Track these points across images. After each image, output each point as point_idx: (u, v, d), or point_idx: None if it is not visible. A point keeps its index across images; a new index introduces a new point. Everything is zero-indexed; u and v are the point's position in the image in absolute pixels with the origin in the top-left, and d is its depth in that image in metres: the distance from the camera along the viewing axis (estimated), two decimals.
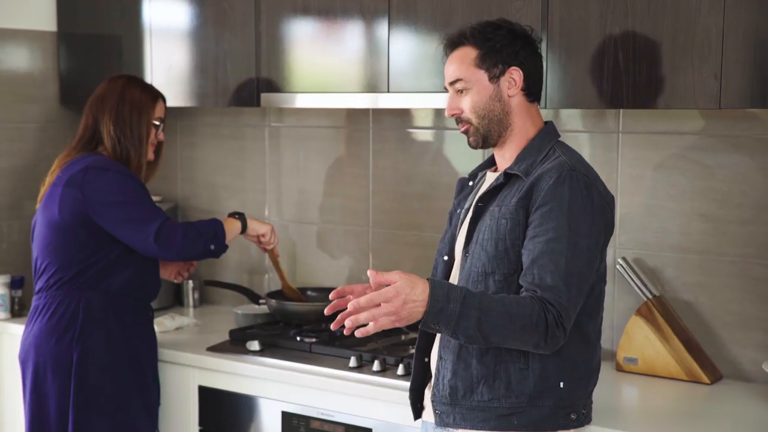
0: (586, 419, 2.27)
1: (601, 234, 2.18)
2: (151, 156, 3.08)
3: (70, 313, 2.95)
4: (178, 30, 3.46)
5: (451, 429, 2.28)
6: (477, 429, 2.22)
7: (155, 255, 2.99)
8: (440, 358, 2.28)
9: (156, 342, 3.12)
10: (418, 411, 2.43)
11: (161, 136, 3.10)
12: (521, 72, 2.26)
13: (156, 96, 3.09)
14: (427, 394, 2.37)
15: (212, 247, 3.04)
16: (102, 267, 2.97)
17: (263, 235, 3.21)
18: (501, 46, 2.25)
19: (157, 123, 3.07)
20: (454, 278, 2.31)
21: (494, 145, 2.32)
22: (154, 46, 3.51)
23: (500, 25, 2.28)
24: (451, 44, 2.31)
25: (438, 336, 2.32)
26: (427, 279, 2.06)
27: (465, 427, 2.23)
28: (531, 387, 2.18)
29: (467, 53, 2.27)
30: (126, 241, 2.96)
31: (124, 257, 2.99)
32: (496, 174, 2.31)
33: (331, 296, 2.20)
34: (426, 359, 2.40)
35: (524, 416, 2.18)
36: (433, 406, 2.28)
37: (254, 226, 3.19)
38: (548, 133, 2.31)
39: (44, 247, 3.00)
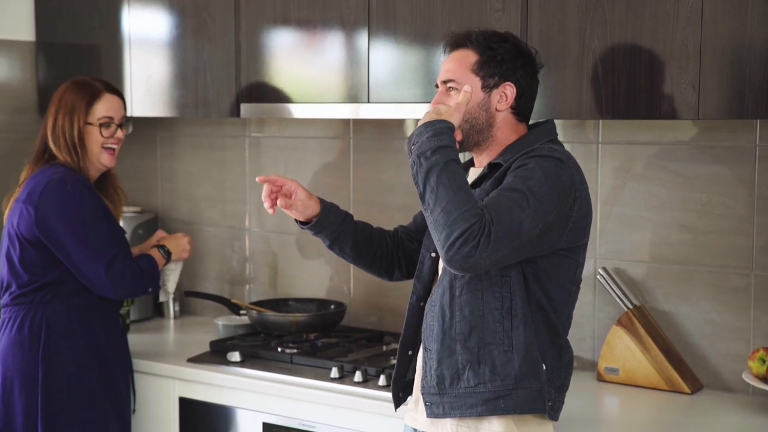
0: (555, 414, 2.26)
1: (552, 210, 2.11)
2: (107, 161, 3.01)
3: (35, 327, 2.93)
4: (157, 40, 3.45)
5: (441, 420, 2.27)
6: (465, 416, 2.21)
7: (100, 292, 2.94)
8: (426, 349, 2.29)
9: (128, 352, 3.09)
10: (398, 401, 2.45)
11: (119, 134, 3.02)
12: (515, 89, 2.26)
13: (95, 94, 2.99)
14: (413, 394, 2.37)
15: (150, 290, 3.05)
16: (58, 279, 2.93)
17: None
18: (502, 59, 2.25)
19: (103, 122, 2.98)
20: (448, 275, 2.28)
21: (467, 150, 2.32)
22: (133, 56, 3.50)
23: (507, 38, 2.29)
24: (454, 44, 2.31)
25: (422, 329, 2.32)
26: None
27: (454, 416, 2.22)
28: (516, 369, 2.17)
29: (467, 56, 2.27)
30: (75, 272, 2.92)
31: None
32: (479, 169, 2.32)
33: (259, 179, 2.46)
34: (410, 352, 2.41)
35: (511, 399, 2.18)
36: (423, 399, 2.28)
37: (177, 254, 3.18)
38: (543, 132, 2.30)
39: (7, 262, 2.98)
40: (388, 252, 2.58)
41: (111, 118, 3.01)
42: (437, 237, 2.07)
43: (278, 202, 2.43)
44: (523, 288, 2.19)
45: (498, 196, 2.11)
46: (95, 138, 2.99)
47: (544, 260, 2.19)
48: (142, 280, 2.99)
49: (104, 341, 3.01)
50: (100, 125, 2.99)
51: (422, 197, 2.10)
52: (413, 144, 2.14)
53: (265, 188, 2.48)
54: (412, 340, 2.41)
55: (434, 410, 2.26)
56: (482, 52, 2.26)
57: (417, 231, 2.58)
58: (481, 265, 2.05)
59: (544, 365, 2.20)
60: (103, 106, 3.00)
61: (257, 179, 2.49)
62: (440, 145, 2.10)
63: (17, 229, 2.93)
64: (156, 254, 3.11)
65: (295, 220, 2.52)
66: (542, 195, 2.10)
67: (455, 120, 2.18)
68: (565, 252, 2.22)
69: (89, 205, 2.92)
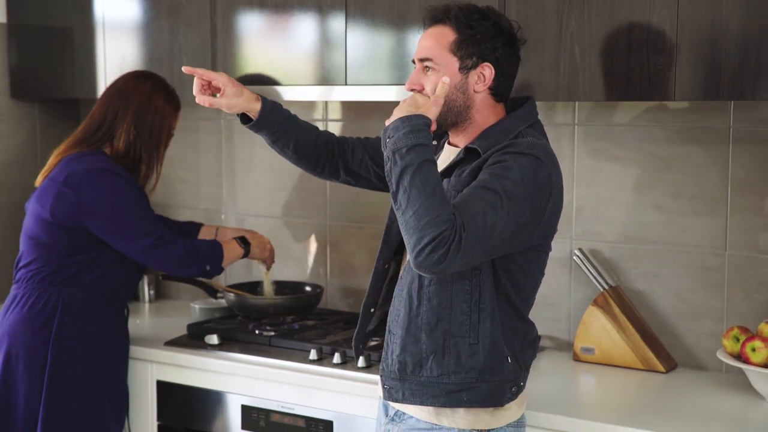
0: (521, 391, 2.27)
1: (526, 211, 2.08)
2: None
3: (49, 308, 2.92)
4: (131, 22, 3.42)
5: (400, 404, 2.27)
6: (426, 405, 2.21)
7: (150, 265, 2.98)
8: (389, 332, 2.28)
9: (128, 342, 3.09)
10: (359, 353, 2.53)
11: (169, 144, 3.09)
12: (493, 70, 2.20)
13: (178, 105, 3.07)
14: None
15: (208, 267, 3.04)
16: (82, 265, 2.94)
17: (265, 260, 3.28)
18: (481, 37, 2.19)
19: (173, 133, 3.08)
20: None
21: (444, 130, 2.29)
22: (107, 38, 3.47)
23: (487, 15, 2.21)
24: (432, 19, 2.23)
25: (389, 311, 2.31)
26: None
27: (414, 403, 2.22)
28: (481, 362, 2.17)
29: (445, 34, 2.20)
30: (121, 251, 2.95)
31: (105, 256, 2.96)
32: (456, 149, 2.28)
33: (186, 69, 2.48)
34: (372, 309, 2.41)
35: (473, 392, 2.18)
36: (381, 381, 2.28)
37: (255, 253, 3.22)
38: (523, 117, 2.25)
39: (30, 239, 2.98)
40: (333, 159, 2.58)
41: (174, 129, 3.10)
42: (407, 239, 2.02)
43: (198, 98, 2.46)
44: (492, 282, 2.17)
45: (471, 196, 2.05)
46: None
47: (518, 256, 2.18)
48: (198, 257, 3.00)
49: (113, 331, 3.02)
50: (172, 135, 3.08)
51: (394, 196, 2.06)
52: (388, 137, 2.09)
53: (195, 82, 2.49)
54: (375, 300, 2.40)
55: (393, 394, 2.25)
56: (461, 30, 2.19)
57: (372, 148, 2.59)
58: (450, 269, 2.02)
59: (509, 358, 2.20)
60: (178, 120, 3.09)
61: (183, 69, 2.50)
62: (416, 143, 2.05)
63: (51, 212, 2.91)
64: (232, 244, 3.14)
65: (238, 117, 2.53)
66: (517, 196, 2.06)
67: (432, 114, 2.12)
68: (539, 247, 2.22)
69: (133, 189, 2.95)
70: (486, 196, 2.04)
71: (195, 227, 3.34)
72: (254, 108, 2.48)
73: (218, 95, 2.49)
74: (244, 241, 3.18)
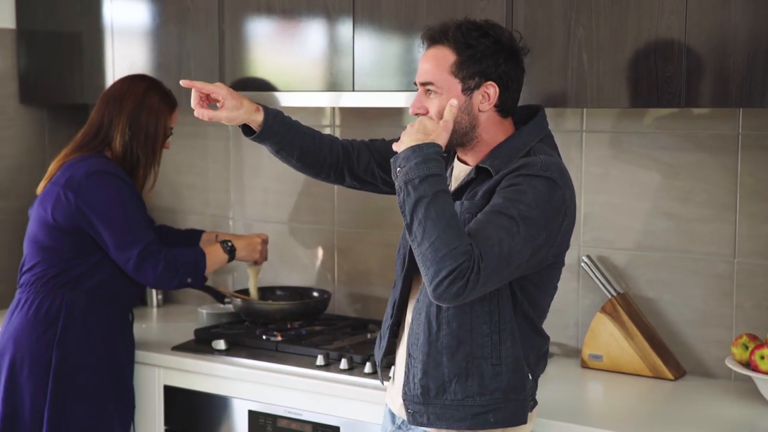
0: (536, 405, 2.28)
1: (542, 234, 2.06)
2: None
3: (53, 312, 2.93)
4: (140, 28, 3.43)
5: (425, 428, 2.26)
6: (452, 428, 2.19)
7: (135, 279, 2.97)
8: (409, 356, 2.25)
9: (134, 347, 3.09)
10: (385, 375, 2.46)
11: (168, 144, 3.08)
12: (497, 88, 2.16)
13: (174, 104, 3.07)
14: (395, 388, 2.35)
15: (189, 280, 3.02)
16: (86, 269, 2.95)
17: (255, 262, 3.25)
18: (482, 56, 2.14)
19: (170, 132, 3.06)
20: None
21: (450, 150, 2.26)
22: (115, 44, 3.48)
23: (486, 32, 2.16)
24: (430, 39, 2.19)
25: (407, 327, 2.28)
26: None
27: (440, 427, 2.20)
28: (505, 383, 2.16)
29: (445, 56, 2.16)
30: (113, 258, 2.95)
31: (107, 260, 2.96)
32: (467, 167, 2.26)
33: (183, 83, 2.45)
34: (396, 328, 2.37)
35: (500, 412, 2.17)
36: (405, 405, 2.26)
37: (242, 256, 3.19)
38: (532, 132, 2.22)
39: (33, 243, 2.99)
40: (337, 164, 2.53)
41: (172, 129, 3.08)
42: (424, 272, 2.01)
43: (196, 112, 2.41)
44: (510, 301, 2.17)
45: (486, 222, 2.03)
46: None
47: (534, 275, 2.17)
48: (177, 271, 2.97)
49: (118, 335, 3.02)
50: (169, 134, 3.07)
51: (409, 228, 2.03)
52: (399, 167, 2.06)
53: (193, 95, 2.44)
54: (400, 320, 2.35)
55: (417, 419, 2.23)
56: (460, 51, 2.14)
57: (379, 153, 2.55)
58: (469, 299, 2.02)
59: (530, 375, 2.20)
60: (175, 117, 3.08)
61: (181, 82, 2.46)
62: (429, 173, 2.02)
63: (52, 215, 2.92)
64: (216, 249, 3.11)
65: (241, 129, 2.48)
66: (532, 220, 2.03)
67: (442, 140, 2.09)
68: (554, 264, 2.21)
69: (132, 194, 2.95)
70: (501, 222, 2.02)
71: (196, 235, 3.33)
72: (256, 119, 2.43)
73: (218, 105, 2.43)
74: (227, 245, 3.15)
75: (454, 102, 2.13)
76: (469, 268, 1.96)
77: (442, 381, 2.19)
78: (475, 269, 1.96)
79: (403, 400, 2.26)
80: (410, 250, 2.24)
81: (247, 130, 2.47)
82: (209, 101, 2.45)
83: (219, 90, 2.41)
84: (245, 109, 2.41)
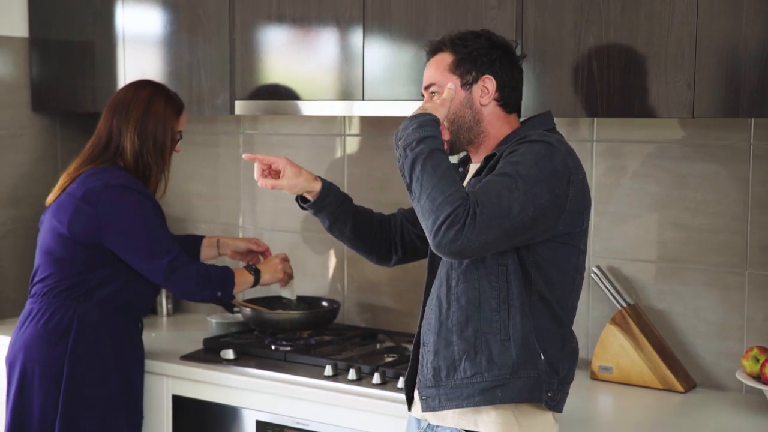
0: (558, 405, 2.25)
1: (543, 193, 2.10)
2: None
3: (64, 323, 2.92)
4: (151, 37, 3.44)
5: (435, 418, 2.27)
6: (462, 407, 2.20)
7: (165, 288, 2.98)
8: (423, 344, 2.29)
9: (143, 357, 3.08)
10: (410, 402, 2.43)
11: (178, 148, 3.08)
12: (494, 81, 2.28)
13: (180, 108, 3.06)
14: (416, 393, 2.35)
15: (219, 294, 3.01)
16: (99, 281, 2.94)
17: (280, 281, 3.23)
18: (477, 53, 2.28)
19: (179, 136, 3.06)
20: (445, 267, 2.28)
21: (462, 150, 2.35)
22: (127, 53, 3.49)
23: (480, 34, 2.32)
24: (432, 49, 2.35)
25: (422, 325, 2.32)
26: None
27: (450, 407, 2.21)
28: (513, 358, 2.16)
29: (444, 59, 2.31)
30: (137, 269, 2.94)
31: (121, 271, 2.95)
32: (477, 165, 2.32)
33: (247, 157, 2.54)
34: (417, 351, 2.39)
35: (508, 388, 2.17)
36: (419, 393, 2.28)
37: (266, 279, 3.16)
38: (538, 123, 2.31)
39: (46, 254, 2.98)
40: (388, 236, 2.61)
41: (181, 132, 3.07)
42: (425, 224, 2.09)
43: (260, 183, 2.51)
44: (521, 277, 2.18)
45: (486, 181, 2.12)
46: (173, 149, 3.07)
47: (543, 247, 2.18)
48: (210, 282, 2.98)
49: (128, 345, 3.02)
50: (176, 139, 3.06)
51: (409, 188, 2.13)
52: (399, 138, 2.17)
53: (256, 167, 2.54)
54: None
55: (430, 403, 2.24)
56: (457, 51, 2.29)
57: (411, 213, 2.61)
58: (470, 248, 2.05)
59: (542, 355, 2.19)
60: (183, 121, 3.07)
61: (244, 156, 2.55)
62: (424, 135, 2.13)
63: (68, 227, 2.91)
64: (243, 273, 3.10)
65: (296, 200, 2.56)
66: (532, 178, 2.10)
67: (440, 114, 2.21)
68: (565, 238, 2.21)
69: (152, 206, 2.95)
70: (500, 180, 2.11)
71: (197, 240, 3.32)
72: (314, 188, 2.52)
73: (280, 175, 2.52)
74: (252, 268, 3.14)
75: (451, 85, 2.27)
76: (465, 212, 2.03)
77: (452, 360, 2.21)
78: (470, 213, 2.04)
79: (417, 389, 2.28)
80: (428, 279, 2.35)
81: (301, 200, 2.57)
82: (270, 173, 2.54)
83: (279, 161, 2.52)
84: (304, 177, 2.52)
